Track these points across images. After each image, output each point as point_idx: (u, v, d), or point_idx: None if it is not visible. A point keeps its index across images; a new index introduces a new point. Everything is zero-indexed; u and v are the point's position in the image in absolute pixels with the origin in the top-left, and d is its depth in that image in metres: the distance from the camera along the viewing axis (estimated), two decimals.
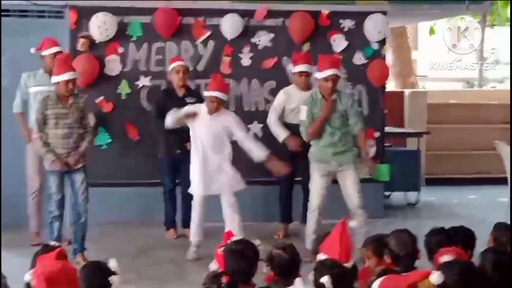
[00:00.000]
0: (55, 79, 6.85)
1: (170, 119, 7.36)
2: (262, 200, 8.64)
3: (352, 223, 4.33)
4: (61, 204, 7.02)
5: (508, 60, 16.03)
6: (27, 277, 3.72)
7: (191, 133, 7.40)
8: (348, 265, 4.05)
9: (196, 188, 7.34)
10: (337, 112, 7.11)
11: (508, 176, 9.37)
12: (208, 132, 7.28)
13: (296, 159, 7.98)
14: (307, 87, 7.85)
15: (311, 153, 7.28)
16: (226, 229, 7.01)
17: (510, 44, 16.68)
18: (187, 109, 7.42)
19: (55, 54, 7.45)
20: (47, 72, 7.45)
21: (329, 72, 7.02)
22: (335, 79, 7.07)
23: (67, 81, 6.81)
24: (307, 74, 7.89)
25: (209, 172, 7.28)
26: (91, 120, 7.40)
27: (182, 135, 7.60)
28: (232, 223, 7.15)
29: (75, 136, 6.93)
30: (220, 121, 7.31)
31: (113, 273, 3.69)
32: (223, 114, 7.37)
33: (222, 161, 7.32)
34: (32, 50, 7.55)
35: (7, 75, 8.20)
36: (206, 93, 7.36)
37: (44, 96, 7.04)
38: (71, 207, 7.11)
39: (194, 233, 7.36)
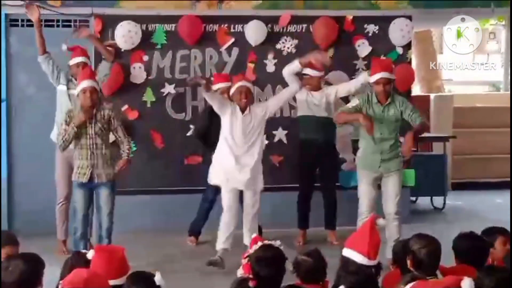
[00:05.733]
0: (77, 89, 6.95)
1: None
2: (282, 206, 8.50)
3: (380, 221, 4.27)
4: (86, 221, 7.06)
5: None
6: None
7: (221, 131, 7.22)
8: (374, 262, 4.02)
9: (215, 179, 7.23)
10: (392, 116, 7.10)
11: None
12: (240, 131, 7.11)
13: (315, 165, 8.04)
14: (311, 88, 8.08)
15: (358, 158, 7.31)
16: (244, 229, 7.10)
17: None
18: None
19: (80, 63, 7.52)
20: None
21: (379, 76, 7.07)
22: (385, 82, 7.07)
23: (84, 90, 6.85)
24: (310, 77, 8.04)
25: (233, 166, 7.09)
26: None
27: None
28: (247, 222, 7.12)
29: (100, 147, 6.94)
30: (253, 117, 7.18)
31: (158, 287, 3.65)
32: (253, 108, 7.24)
33: (250, 158, 7.14)
34: (64, 47, 7.63)
35: (33, 85, 8.33)
36: (231, 91, 7.24)
37: (67, 110, 7.08)
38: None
39: (220, 241, 7.17)
